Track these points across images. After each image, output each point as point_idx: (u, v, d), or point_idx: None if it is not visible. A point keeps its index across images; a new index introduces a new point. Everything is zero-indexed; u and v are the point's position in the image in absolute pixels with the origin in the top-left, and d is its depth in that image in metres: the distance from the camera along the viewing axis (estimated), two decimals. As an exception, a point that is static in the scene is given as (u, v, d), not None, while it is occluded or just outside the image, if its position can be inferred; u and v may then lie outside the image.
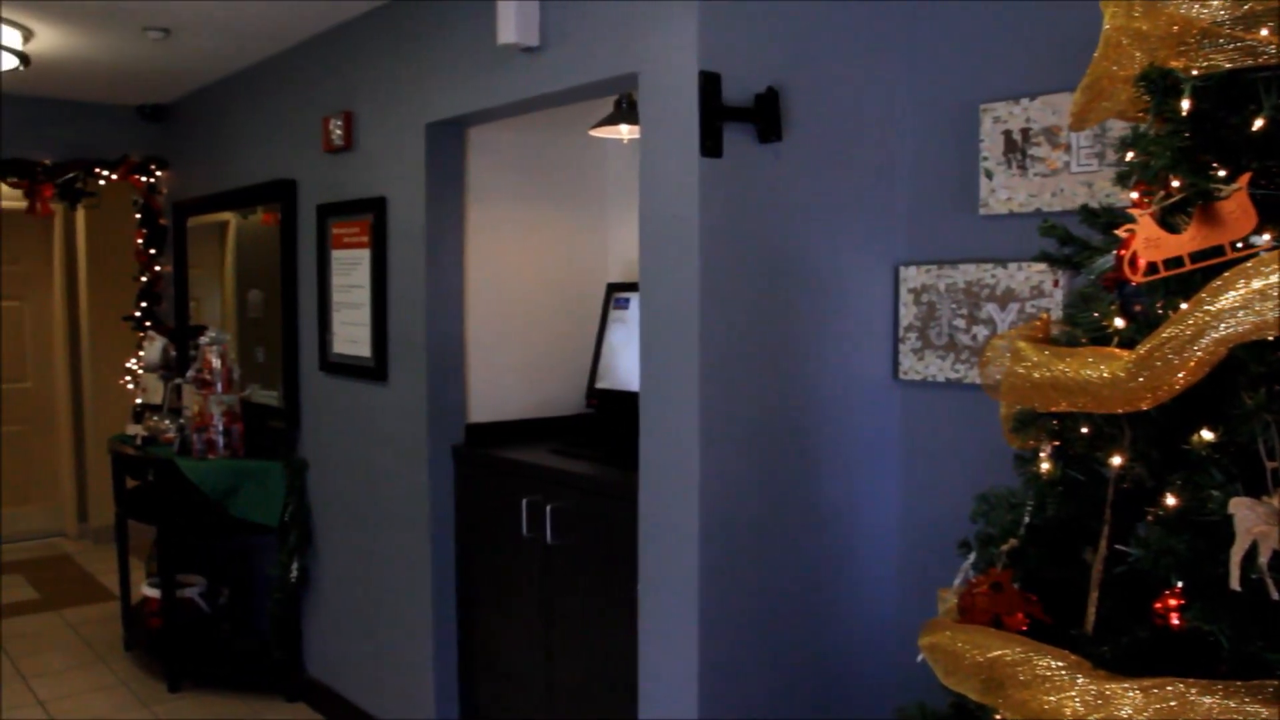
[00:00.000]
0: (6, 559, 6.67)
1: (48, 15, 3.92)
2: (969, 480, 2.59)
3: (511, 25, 2.86)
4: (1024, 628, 1.64)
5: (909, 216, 2.82)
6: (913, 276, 2.79)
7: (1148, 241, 1.54)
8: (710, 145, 2.45)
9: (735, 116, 2.49)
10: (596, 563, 2.97)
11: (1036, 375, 1.61)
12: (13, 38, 4.10)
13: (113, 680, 4.66)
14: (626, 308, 3.42)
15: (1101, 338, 1.64)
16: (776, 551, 2.66)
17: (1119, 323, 1.63)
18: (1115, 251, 1.63)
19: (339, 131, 3.92)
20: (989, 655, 1.57)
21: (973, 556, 1.85)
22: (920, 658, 1.76)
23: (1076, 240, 1.79)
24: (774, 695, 2.67)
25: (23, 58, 4.22)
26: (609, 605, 2.92)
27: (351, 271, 3.93)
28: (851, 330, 2.78)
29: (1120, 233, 1.62)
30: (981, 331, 2.65)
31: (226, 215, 5.18)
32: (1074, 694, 1.44)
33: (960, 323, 2.69)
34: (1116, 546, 1.59)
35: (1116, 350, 1.54)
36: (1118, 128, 2.18)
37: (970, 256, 2.68)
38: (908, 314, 2.81)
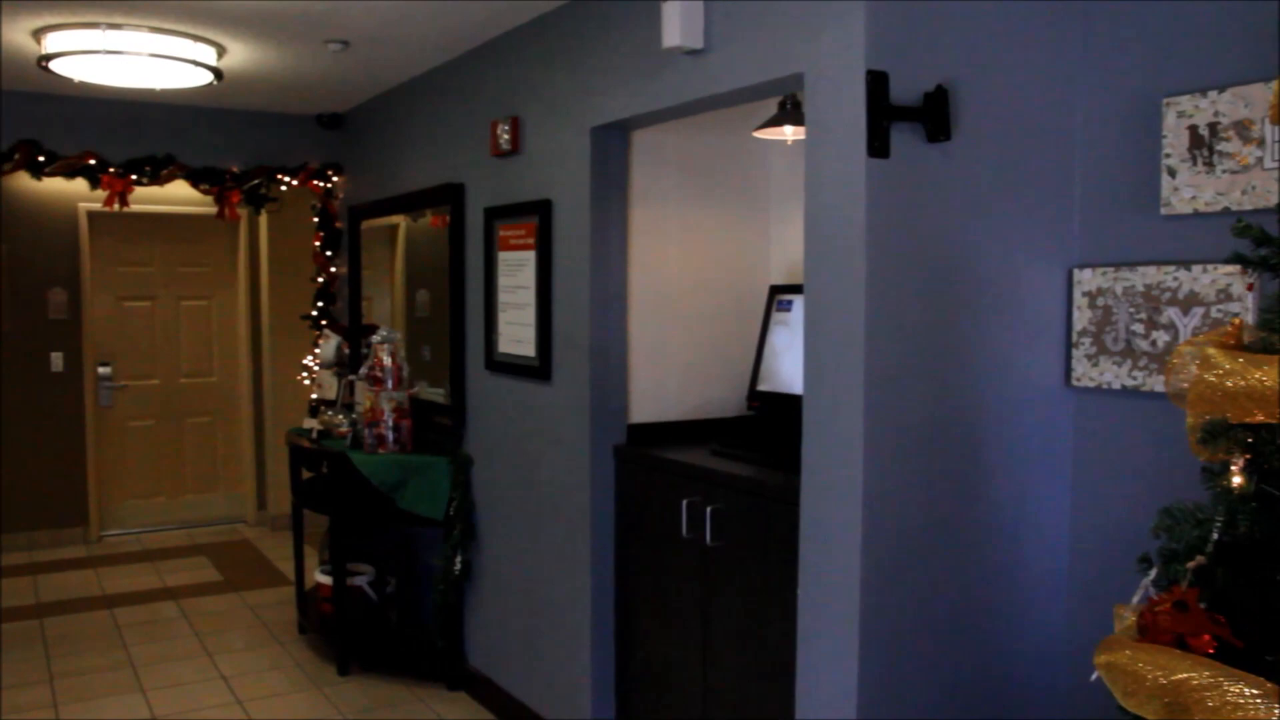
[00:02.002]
0: (193, 542, 7.11)
1: (238, 32, 4.17)
2: (1145, 492, 2.49)
3: (676, 28, 2.88)
4: (1210, 650, 1.56)
5: (1084, 217, 2.71)
6: (1088, 279, 2.68)
7: (1358, 243, 1.45)
8: (877, 145, 2.41)
9: (903, 116, 2.44)
10: (755, 565, 2.96)
11: (1229, 384, 1.53)
12: (208, 54, 4.37)
13: (288, 661, 4.90)
14: (789, 310, 3.40)
15: (1303, 345, 1.55)
16: (940, 559, 2.60)
17: (1323, 329, 1.54)
18: (1320, 254, 1.54)
19: (506, 136, 4.02)
20: (1173, 678, 1.50)
21: (1154, 573, 1.77)
22: (1095, 676, 1.69)
23: (1274, 241, 1.69)
24: (935, 705, 2.61)
25: (216, 73, 4.50)
26: (767, 608, 2.91)
27: (517, 272, 4.03)
28: (1022, 335, 2.69)
29: (1326, 234, 1.53)
30: (1162, 337, 2.53)
31: (397, 218, 5.38)
32: (1269, 723, 1.36)
33: (1139, 327, 2.57)
34: (1318, 568, 1.50)
35: (1320, 359, 1.46)
36: (1320, 121, 2.05)
37: (1150, 258, 2.56)
38: (1082, 318, 2.70)
